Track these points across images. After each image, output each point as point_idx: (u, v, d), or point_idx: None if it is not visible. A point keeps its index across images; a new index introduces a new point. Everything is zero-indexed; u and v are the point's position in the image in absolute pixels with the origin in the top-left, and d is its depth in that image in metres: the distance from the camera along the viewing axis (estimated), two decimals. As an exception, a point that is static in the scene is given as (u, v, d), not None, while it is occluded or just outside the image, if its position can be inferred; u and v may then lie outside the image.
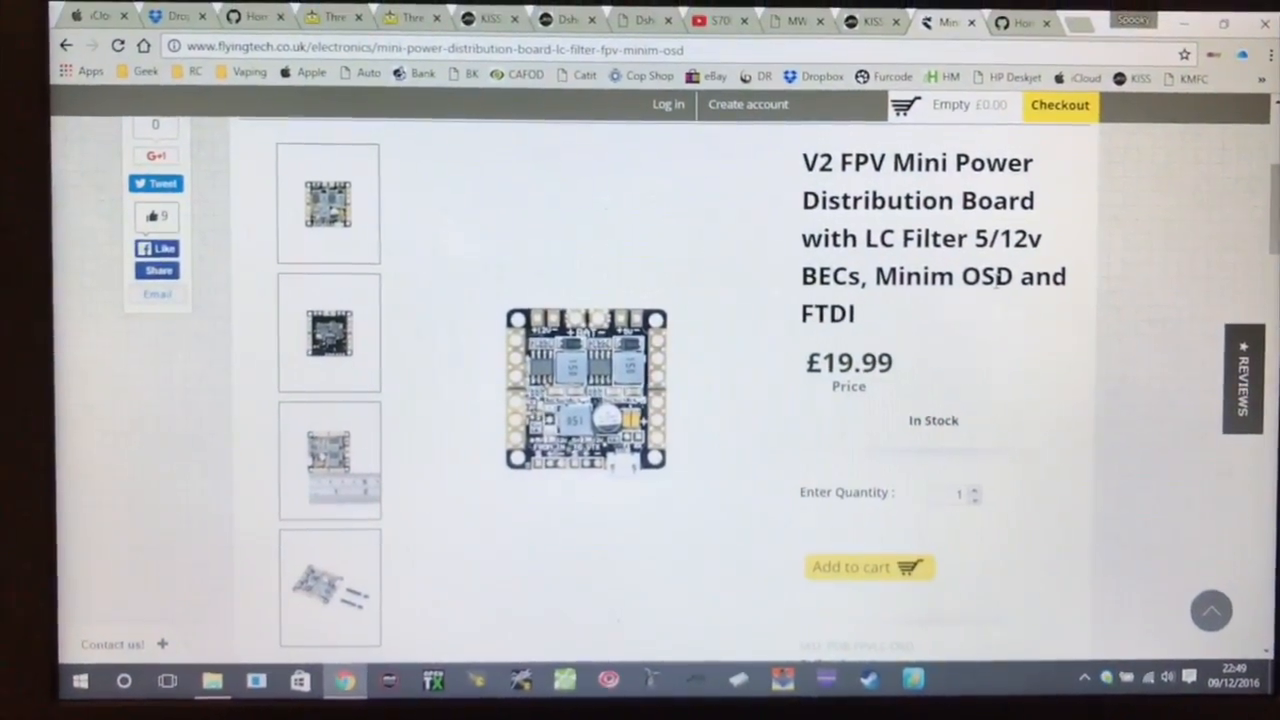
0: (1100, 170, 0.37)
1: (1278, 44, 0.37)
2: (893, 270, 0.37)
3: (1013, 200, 0.37)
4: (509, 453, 0.37)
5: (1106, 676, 0.38)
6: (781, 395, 0.37)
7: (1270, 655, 0.38)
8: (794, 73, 0.36)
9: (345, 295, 0.36)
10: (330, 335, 0.36)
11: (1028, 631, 0.37)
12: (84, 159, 0.36)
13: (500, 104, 0.36)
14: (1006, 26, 0.36)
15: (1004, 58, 0.36)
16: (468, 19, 0.36)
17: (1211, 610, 0.38)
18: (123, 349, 0.36)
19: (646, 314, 0.37)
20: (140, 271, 0.36)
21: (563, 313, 0.37)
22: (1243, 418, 0.37)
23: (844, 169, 0.36)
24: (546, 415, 0.37)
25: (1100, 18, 0.36)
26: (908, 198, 0.37)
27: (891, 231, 0.37)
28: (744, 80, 0.36)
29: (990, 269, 0.37)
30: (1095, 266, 0.37)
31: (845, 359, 0.37)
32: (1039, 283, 0.37)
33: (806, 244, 0.37)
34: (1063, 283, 0.37)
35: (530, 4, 0.36)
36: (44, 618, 0.36)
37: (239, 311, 0.36)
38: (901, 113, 0.36)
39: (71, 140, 0.36)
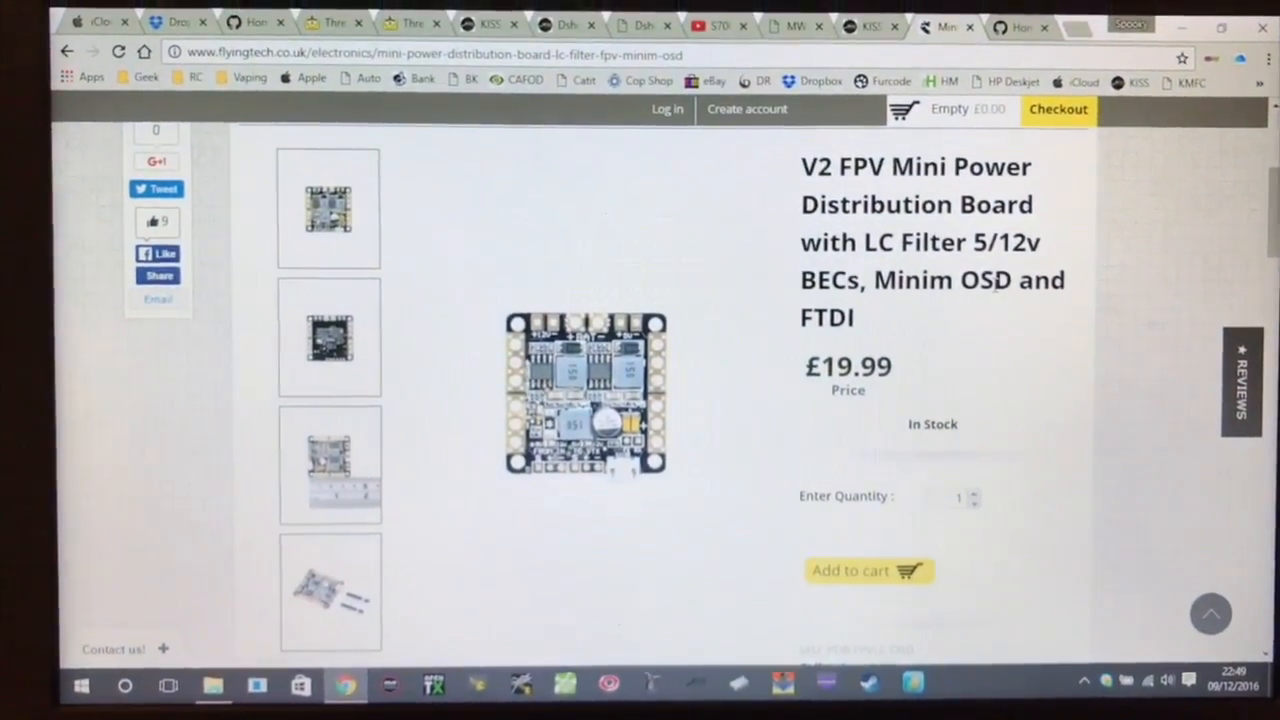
0: (1099, 174, 0.37)
1: (1275, 48, 0.37)
2: (892, 274, 0.37)
3: (1011, 204, 0.37)
4: (509, 457, 0.37)
5: (1106, 679, 0.38)
6: (781, 399, 0.37)
7: (1270, 658, 0.38)
8: (793, 77, 0.36)
9: (345, 300, 0.36)
10: (330, 340, 0.36)
11: (1027, 634, 0.37)
12: (85, 164, 0.36)
13: (500, 109, 0.36)
14: (1005, 31, 0.37)
15: (1002, 62, 0.37)
16: (467, 24, 0.36)
17: (1211, 613, 0.38)
18: (123, 354, 0.36)
19: (646, 318, 0.37)
20: (141, 276, 0.36)
21: (562, 317, 0.37)
22: (1241, 421, 0.37)
23: (843, 173, 0.37)
24: (546, 419, 0.37)
25: (1098, 22, 0.37)
26: (906, 202, 0.37)
27: (890, 235, 0.37)
28: (743, 85, 0.36)
29: (989, 272, 0.37)
30: (1094, 270, 0.37)
31: (844, 363, 0.37)
32: (1038, 286, 0.37)
33: (806, 248, 0.37)
34: (1061, 286, 0.37)
35: (530, 9, 0.36)
36: (45, 622, 0.36)
37: (239, 316, 0.36)
38: (900, 117, 0.37)
39: (72, 146, 0.36)
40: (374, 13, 0.36)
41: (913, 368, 0.37)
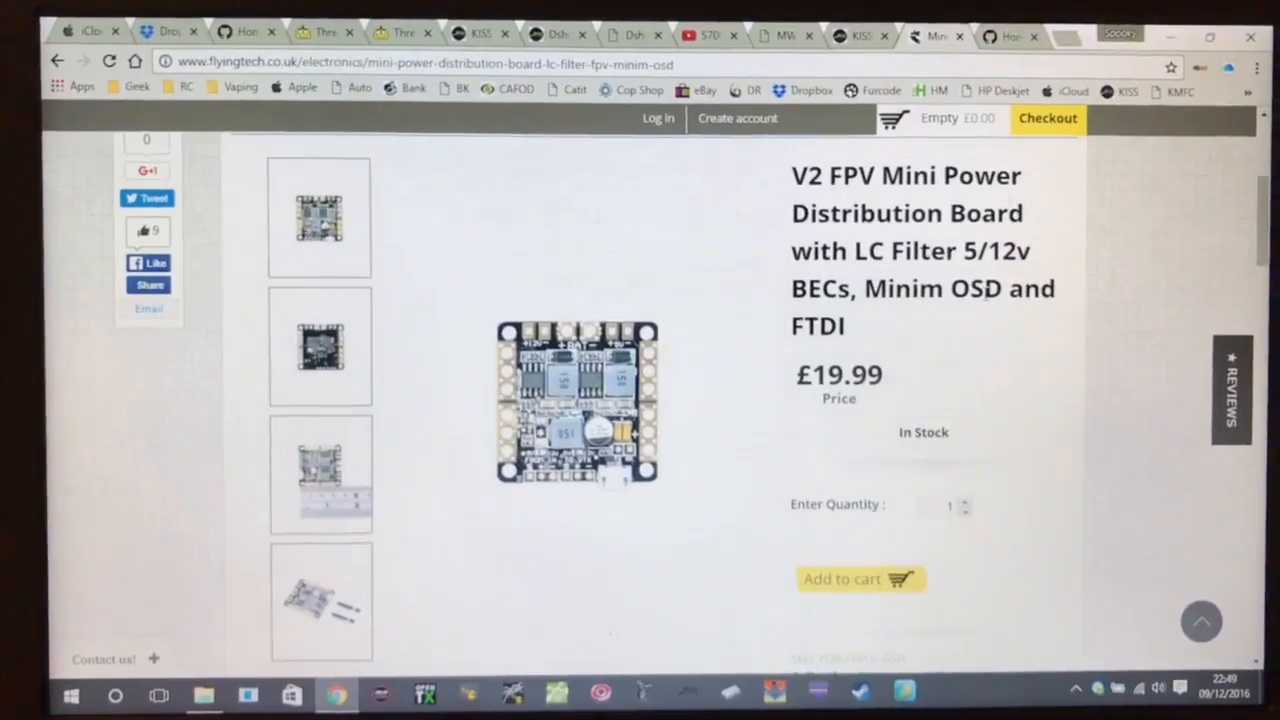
0: (1088, 182, 0.37)
1: (1264, 57, 0.37)
2: (882, 283, 0.37)
3: (1001, 213, 0.37)
4: (500, 466, 0.37)
5: (1098, 687, 0.38)
6: (772, 407, 0.37)
7: (1261, 666, 0.38)
8: (783, 87, 0.36)
9: (336, 309, 0.36)
10: (321, 349, 0.36)
11: (1019, 643, 0.37)
12: (75, 174, 0.36)
13: (491, 118, 0.36)
14: (994, 40, 0.37)
15: (992, 71, 0.37)
16: (458, 34, 0.36)
17: (1202, 621, 0.38)
18: (114, 363, 0.36)
19: (637, 327, 0.37)
20: (131, 286, 0.36)
21: (554, 326, 0.37)
22: (1231, 429, 0.37)
23: (833, 182, 0.37)
24: (538, 428, 0.37)
25: (1088, 31, 0.37)
26: (897, 210, 0.37)
27: (881, 244, 0.37)
28: (733, 94, 0.36)
29: (979, 281, 0.37)
30: (1084, 278, 0.37)
31: (835, 371, 0.37)
32: (1028, 295, 0.37)
33: (796, 257, 0.37)
34: (1051, 295, 0.37)
35: (521, 19, 0.36)
36: (34, 632, 0.36)
37: (230, 325, 0.36)
38: (890, 126, 0.37)
39: (63, 155, 0.36)
40: (365, 22, 0.36)
41: (903, 376, 0.37)
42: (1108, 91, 0.37)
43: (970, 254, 0.37)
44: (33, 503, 0.36)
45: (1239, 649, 0.38)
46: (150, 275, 0.36)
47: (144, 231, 0.36)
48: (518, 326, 0.37)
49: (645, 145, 0.36)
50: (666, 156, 0.36)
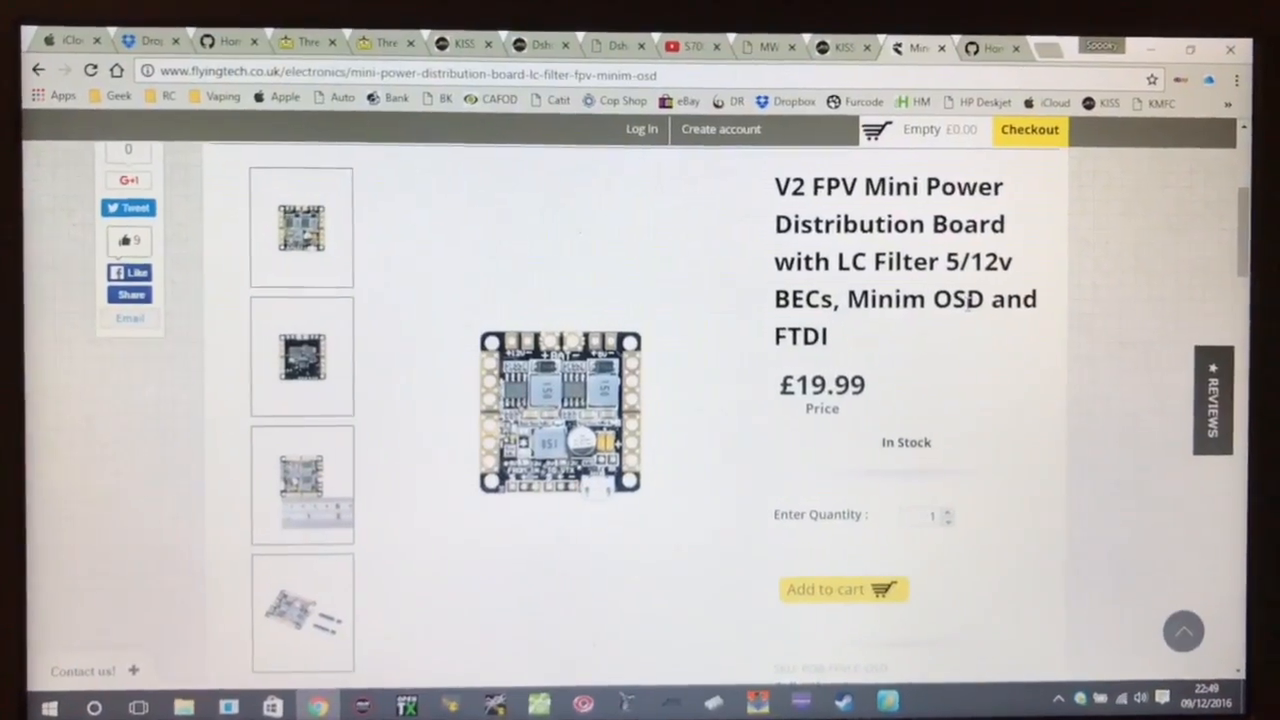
0: (1070, 194, 0.37)
1: (1244, 69, 0.37)
2: (865, 293, 0.37)
3: (983, 224, 0.37)
4: (483, 476, 0.37)
5: (1080, 698, 0.38)
6: (755, 417, 0.37)
7: (1242, 675, 0.38)
8: (766, 98, 0.37)
9: (318, 319, 0.36)
10: (303, 359, 0.36)
11: (1002, 653, 0.37)
12: (56, 183, 0.36)
13: (474, 128, 0.36)
14: (976, 52, 0.37)
15: (974, 82, 0.37)
16: (441, 44, 0.36)
17: (1184, 631, 0.38)
18: (94, 373, 0.36)
19: (621, 337, 0.37)
20: (112, 295, 0.36)
21: (537, 336, 0.37)
22: (1213, 439, 0.37)
23: (816, 193, 0.37)
24: (521, 438, 0.37)
25: (1069, 43, 0.37)
26: (879, 221, 0.37)
27: (863, 255, 0.37)
28: (717, 105, 0.36)
29: (961, 292, 0.37)
30: (1065, 289, 0.37)
31: (818, 381, 0.37)
32: (1010, 305, 0.37)
33: (779, 267, 0.37)
34: (1033, 305, 0.37)
35: (504, 29, 0.36)
36: (13, 644, 0.36)
37: (211, 335, 0.36)
38: (873, 137, 0.37)
39: (44, 165, 0.36)
40: (348, 32, 0.36)
41: (886, 386, 0.37)
42: (1089, 103, 0.37)
43: (952, 264, 0.37)
44: (12, 513, 0.36)
45: (1221, 659, 0.38)
46: (131, 285, 0.36)
47: (125, 241, 0.36)
48: (501, 336, 0.37)
49: (629, 156, 0.36)
50: (650, 167, 0.36)
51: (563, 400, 0.37)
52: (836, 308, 0.37)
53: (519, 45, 0.36)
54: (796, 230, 0.37)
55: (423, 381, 0.36)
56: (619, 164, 0.36)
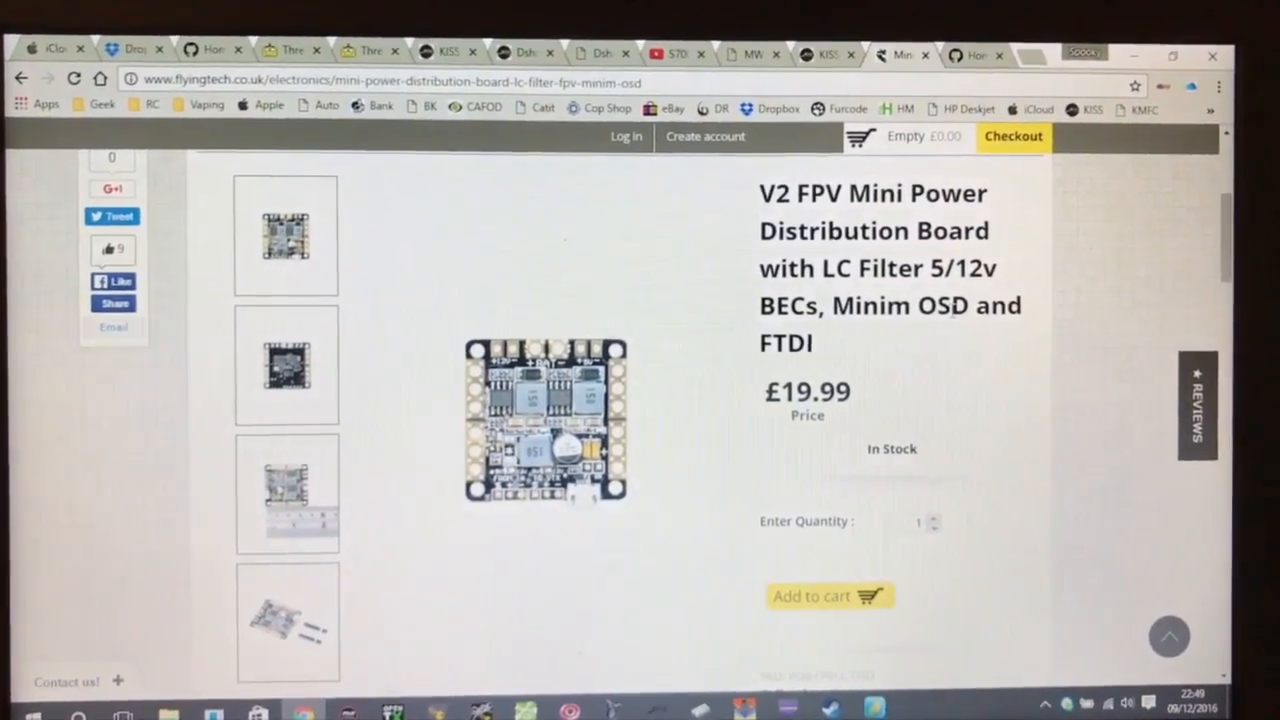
0: (1054, 200, 0.37)
1: (1226, 76, 0.37)
2: (850, 300, 0.37)
3: (968, 230, 0.37)
4: (469, 484, 0.37)
5: (1066, 703, 0.38)
6: (741, 424, 0.37)
7: (1228, 680, 0.38)
8: (750, 105, 0.37)
9: (303, 327, 0.36)
10: (288, 367, 0.36)
11: (988, 658, 0.37)
12: (39, 192, 0.35)
13: (459, 136, 0.36)
14: (960, 59, 0.37)
15: (958, 90, 0.37)
16: (426, 52, 0.36)
17: (1170, 636, 0.38)
18: (78, 382, 0.36)
19: (606, 344, 0.37)
20: (96, 304, 0.36)
21: (522, 343, 0.37)
22: (1197, 444, 0.37)
23: (800, 200, 0.37)
24: (506, 446, 0.37)
25: (1052, 50, 0.37)
26: (864, 228, 0.37)
27: (848, 262, 0.37)
28: (701, 112, 0.37)
29: (946, 298, 0.37)
30: (1050, 295, 0.37)
31: (804, 388, 0.37)
32: (994, 312, 0.37)
33: (764, 274, 0.37)
34: (1018, 312, 0.37)
35: (488, 37, 0.36)
36: (-4, 655, 0.36)
37: (196, 344, 0.36)
38: (857, 144, 0.37)
39: (27, 173, 0.35)
40: (332, 40, 0.36)
41: (871, 393, 0.37)
42: (1073, 110, 0.37)
43: (937, 271, 0.37)
44: (-5, 523, 0.36)
45: (1206, 664, 0.38)
46: (115, 294, 0.36)
47: (109, 250, 0.36)
48: (486, 344, 0.36)
49: (613, 163, 0.36)
50: (635, 174, 0.36)
51: (548, 408, 0.37)
52: (822, 314, 0.37)
53: (503, 53, 0.36)
54: (781, 237, 0.37)
55: (408, 390, 0.36)
56: (604, 172, 0.36)
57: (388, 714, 0.37)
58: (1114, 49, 0.37)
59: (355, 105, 0.36)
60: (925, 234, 0.37)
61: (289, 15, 0.36)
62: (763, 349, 0.37)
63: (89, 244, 0.36)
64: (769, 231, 0.37)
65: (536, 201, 0.36)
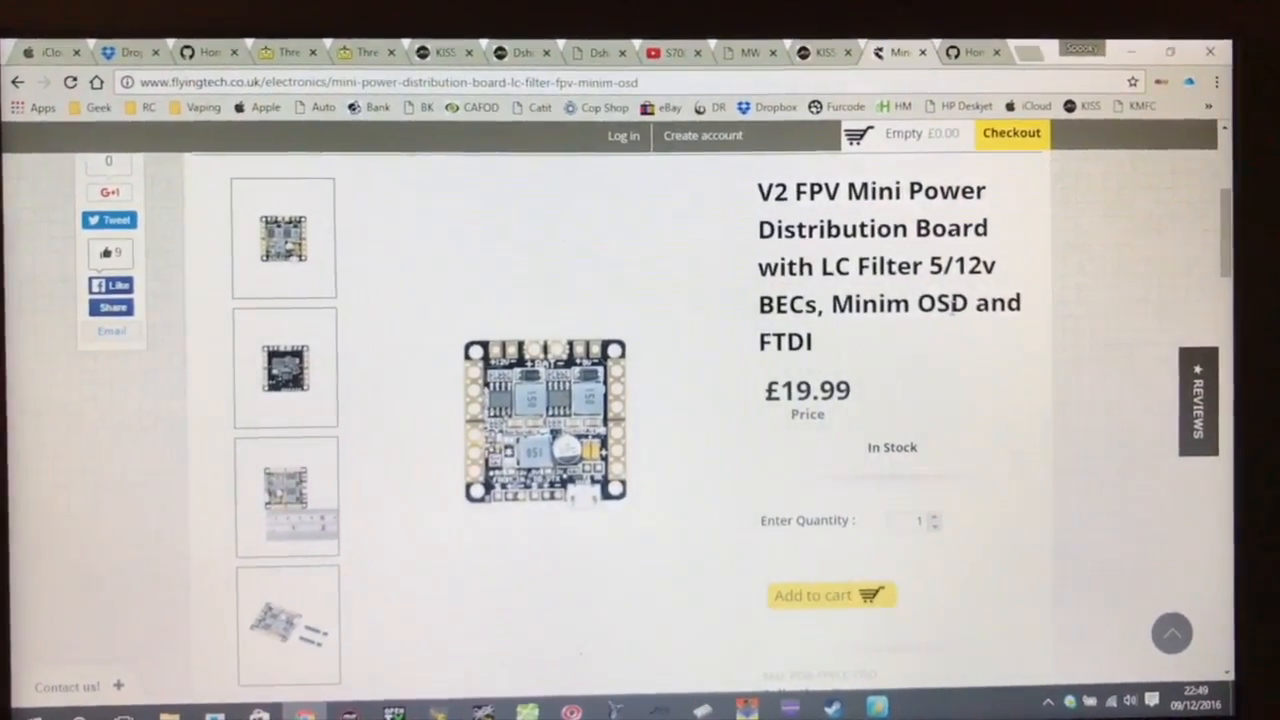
0: (1052, 196, 0.37)
1: (1224, 71, 0.37)
2: (849, 298, 0.37)
3: (966, 227, 0.37)
4: (468, 486, 0.36)
5: (1070, 700, 0.38)
6: (741, 424, 0.37)
7: (1231, 676, 0.38)
8: (748, 104, 0.37)
9: (301, 330, 0.36)
10: (286, 370, 0.36)
11: (990, 656, 0.37)
12: (36, 196, 0.35)
13: (456, 137, 0.36)
14: (957, 56, 0.37)
15: (955, 87, 0.37)
16: (422, 53, 0.36)
17: (1172, 633, 0.38)
18: (76, 386, 0.36)
19: (605, 344, 0.37)
20: (94, 308, 0.36)
21: (521, 344, 0.36)
22: (1198, 440, 0.37)
23: (799, 198, 0.37)
24: (506, 447, 0.37)
25: (1050, 46, 0.37)
26: (862, 226, 0.37)
27: (847, 260, 0.37)
28: (698, 111, 0.36)
29: (945, 296, 0.37)
30: (1049, 292, 0.37)
31: (804, 387, 0.37)
32: (994, 309, 0.37)
33: (763, 273, 0.37)
34: (1017, 308, 0.37)
35: (485, 37, 0.36)
36: (-4, 661, 0.36)
37: (194, 347, 0.36)
38: (855, 142, 0.37)
39: (24, 177, 0.35)
40: (328, 42, 0.36)
41: (871, 391, 0.37)
42: (1070, 106, 0.37)
43: (936, 268, 0.37)
44: (-6, 528, 0.35)
45: (1209, 660, 0.38)
46: (113, 298, 0.36)
47: (106, 254, 0.36)
48: (485, 345, 0.36)
49: (611, 163, 0.36)
50: (632, 174, 0.36)
51: (547, 409, 0.37)
52: (821, 313, 0.37)
53: (500, 53, 0.36)
54: (780, 236, 0.37)
55: (407, 391, 0.36)
56: (601, 171, 0.36)
57: (389, 716, 0.37)
58: (1111, 45, 0.37)
59: (352, 107, 0.36)
60: (924, 231, 0.37)
61: (284, 17, 0.36)
62: (762, 348, 0.37)
63: (86, 248, 0.36)
64: (767, 230, 0.37)
65: (534, 202, 0.36)
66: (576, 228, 0.36)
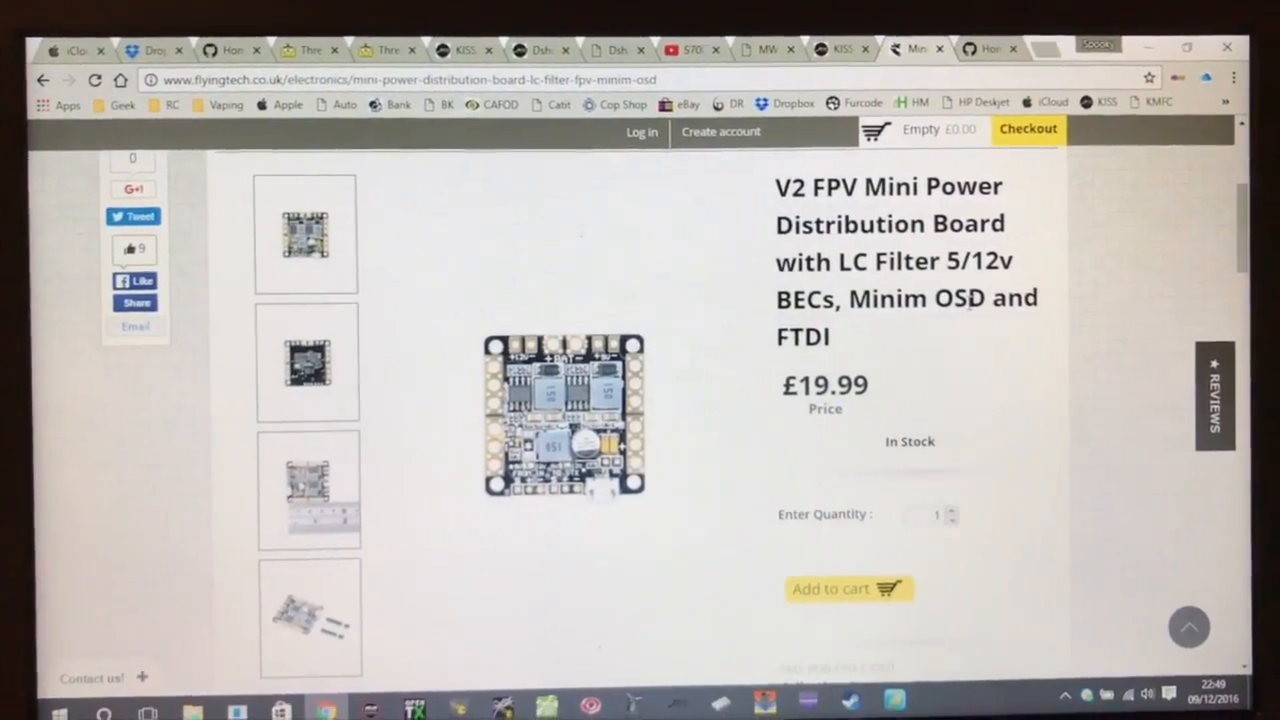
0: (1069, 192, 0.37)
1: (1241, 66, 0.37)
2: (866, 293, 0.37)
3: (983, 223, 0.37)
4: (488, 480, 0.37)
5: (1087, 694, 0.38)
6: (758, 418, 0.37)
7: (1249, 671, 0.38)
8: (765, 100, 0.37)
9: (323, 325, 0.36)
10: (308, 365, 0.36)
11: (1008, 650, 0.38)
12: (61, 193, 0.36)
13: (475, 134, 0.36)
14: (974, 52, 0.37)
15: (972, 83, 0.37)
16: (442, 51, 0.36)
17: (1190, 627, 0.38)
18: (101, 381, 0.36)
19: (623, 339, 0.37)
20: (118, 304, 0.36)
21: (540, 339, 0.37)
22: (1215, 434, 0.37)
23: (816, 194, 0.37)
24: (525, 442, 0.37)
25: (1066, 42, 0.37)
26: (880, 221, 0.37)
27: (864, 255, 0.37)
28: (716, 108, 0.37)
29: (962, 291, 0.37)
30: (1066, 287, 0.37)
31: (821, 381, 0.37)
32: (1011, 304, 0.37)
33: (781, 268, 0.37)
34: (1034, 303, 0.37)
35: (504, 35, 0.36)
36: (22, 651, 0.36)
37: (217, 342, 0.36)
38: (872, 138, 0.37)
39: (49, 175, 0.36)
40: (349, 40, 0.36)
41: (889, 386, 0.37)
42: (1087, 102, 0.37)
43: (953, 264, 0.37)
44: (20, 521, 0.36)
45: (1227, 654, 0.38)
46: (137, 293, 0.36)
47: (130, 250, 0.36)
48: (504, 340, 0.37)
49: (629, 159, 0.37)
50: (650, 170, 0.37)
51: (566, 403, 0.37)
52: (838, 308, 0.37)
53: (519, 51, 0.37)
54: (797, 231, 0.37)
55: (427, 386, 0.36)
56: (620, 168, 0.37)
57: (410, 708, 0.37)
58: (1128, 40, 0.37)
59: (373, 104, 0.36)
60: (941, 227, 0.37)
61: (307, 16, 0.36)
62: (779, 343, 0.37)
63: (110, 244, 0.36)
64: (785, 226, 0.37)
65: (553, 198, 0.37)
66: (595, 224, 0.37)
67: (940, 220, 0.37)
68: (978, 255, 0.37)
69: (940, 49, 0.37)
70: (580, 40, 0.37)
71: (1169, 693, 0.38)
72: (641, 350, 0.37)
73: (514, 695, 0.37)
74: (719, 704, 0.37)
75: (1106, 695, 0.38)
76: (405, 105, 0.36)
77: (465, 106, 0.36)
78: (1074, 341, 0.37)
